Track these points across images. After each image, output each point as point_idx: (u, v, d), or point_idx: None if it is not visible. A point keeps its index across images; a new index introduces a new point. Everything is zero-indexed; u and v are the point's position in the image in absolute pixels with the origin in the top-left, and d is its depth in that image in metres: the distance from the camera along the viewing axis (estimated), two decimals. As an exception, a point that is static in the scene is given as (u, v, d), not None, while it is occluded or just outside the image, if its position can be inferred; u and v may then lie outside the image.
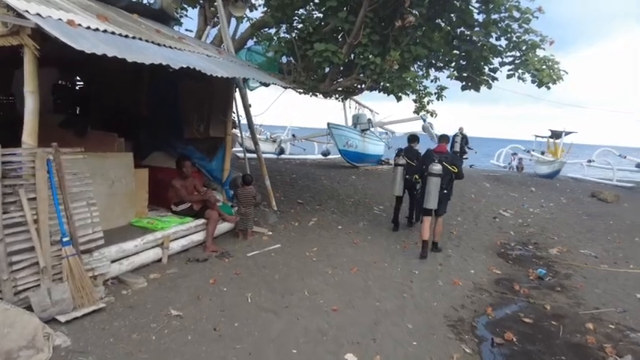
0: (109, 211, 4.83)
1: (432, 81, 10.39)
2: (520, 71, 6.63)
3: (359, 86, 7.80)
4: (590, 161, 16.94)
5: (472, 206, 10.69)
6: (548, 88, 6.31)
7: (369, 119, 14.87)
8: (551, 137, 16.49)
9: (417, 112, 11.31)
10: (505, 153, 19.81)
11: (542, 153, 17.84)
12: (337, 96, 9.37)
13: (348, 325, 3.81)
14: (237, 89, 7.62)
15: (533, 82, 6.44)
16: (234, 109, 7.02)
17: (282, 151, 16.29)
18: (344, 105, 14.95)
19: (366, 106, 17.11)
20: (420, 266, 5.77)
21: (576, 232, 8.88)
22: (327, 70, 6.92)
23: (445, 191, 6.07)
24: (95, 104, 7.24)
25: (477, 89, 7.46)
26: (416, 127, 15.17)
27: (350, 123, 15.26)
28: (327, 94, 8.01)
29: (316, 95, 8.22)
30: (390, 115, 16.83)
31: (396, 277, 5.18)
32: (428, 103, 10.91)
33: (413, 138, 7.72)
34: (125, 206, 5.17)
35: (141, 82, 6.78)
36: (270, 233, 6.37)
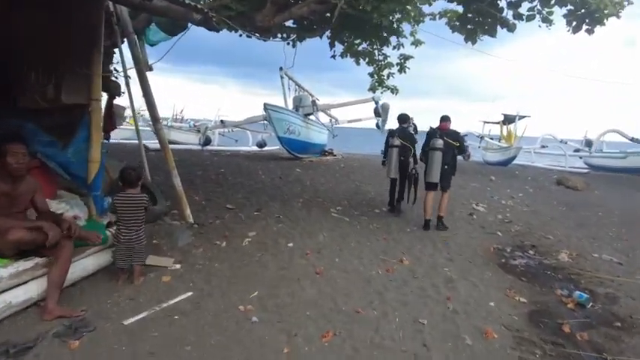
0: None
1: (394, 48, 8.42)
2: (547, 10, 4.67)
3: (314, 27, 5.34)
4: (543, 146, 16.33)
5: (440, 201, 8.90)
6: (591, 32, 4.45)
7: (314, 101, 12.60)
8: (503, 122, 15.53)
9: (372, 89, 9.30)
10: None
11: (491, 139, 16.94)
12: (285, 36, 6.67)
13: None
14: (124, 40, 4.95)
15: (569, 22, 4.54)
16: (116, 67, 4.38)
17: (207, 142, 13.45)
18: (282, 84, 12.54)
19: (307, 89, 14.83)
20: (424, 309, 3.64)
21: (568, 228, 7.44)
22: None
23: (447, 166, 6.18)
24: None
25: (493, 33, 5.42)
26: (368, 110, 13.29)
27: (291, 106, 12.90)
28: (267, 32, 5.34)
29: (250, 36, 5.58)
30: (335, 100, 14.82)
31: (400, 340, 2.99)
32: (388, 77, 8.95)
33: (404, 118, 7.10)
34: None
35: None
36: (179, 266, 3.87)
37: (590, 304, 4.25)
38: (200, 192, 6.65)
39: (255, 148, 17.34)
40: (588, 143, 18.65)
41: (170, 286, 3.43)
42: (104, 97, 4.59)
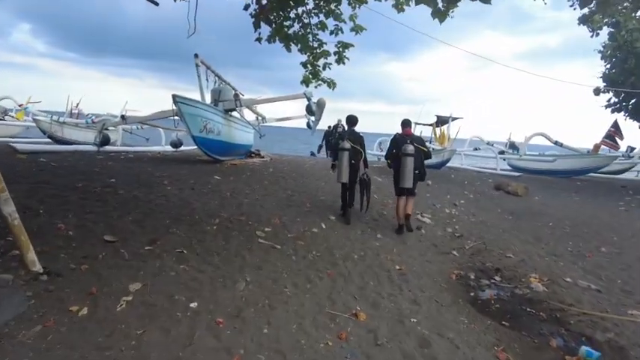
0: None
1: (331, 33, 7.12)
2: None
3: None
4: (476, 149, 16.22)
5: (382, 212, 7.83)
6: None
7: (237, 94, 10.80)
8: (436, 124, 15.09)
9: (305, 81, 7.90)
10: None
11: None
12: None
13: None
14: None
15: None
16: None
17: (105, 141, 11.00)
18: (198, 74, 10.60)
19: (229, 82, 12.99)
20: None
21: (524, 242, 6.72)
22: None
23: (417, 171, 6.26)
24: None
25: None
26: (297, 108, 11.86)
27: (209, 100, 10.99)
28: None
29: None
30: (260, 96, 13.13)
31: None
32: (324, 68, 7.62)
33: (354, 120, 6.79)
34: None
35: None
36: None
37: (601, 363, 3.29)
38: (70, 215, 4.69)
39: (168, 148, 15.08)
40: (512, 145, 19.12)
41: None
42: None
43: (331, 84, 7.47)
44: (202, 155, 10.82)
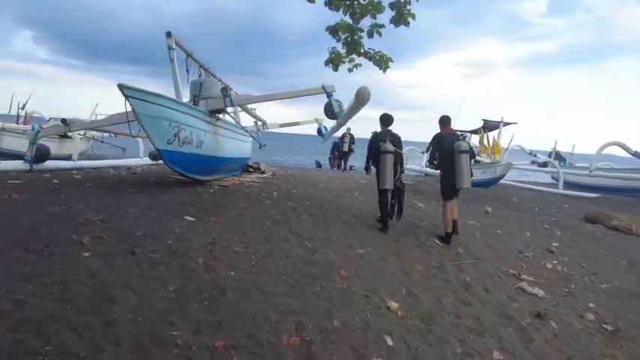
0: None
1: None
2: None
3: None
4: (534, 162, 13.17)
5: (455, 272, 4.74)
6: None
7: (225, 89, 7.55)
8: (483, 130, 11.99)
9: (333, 60, 4.85)
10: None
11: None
12: None
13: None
14: None
15: None
16: None
17: (43, 155, 7.75)
18: (171, 59, 7.46)
19: (215, 75, 9.88)
20: None
21: None
22: None
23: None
24: None
25: None
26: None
27: (187, 98, 7.88)
28: None
29: None
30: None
31: None
32: (370, 35, 4.52)
33: (389, 119, 5.98)
34: None
35: None
36: None
37: None
38: None
39: (147, 160, 12.01)
40: (557, 156, 16.20)
41: None
42: None
43: (383, 61, 4.37)
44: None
